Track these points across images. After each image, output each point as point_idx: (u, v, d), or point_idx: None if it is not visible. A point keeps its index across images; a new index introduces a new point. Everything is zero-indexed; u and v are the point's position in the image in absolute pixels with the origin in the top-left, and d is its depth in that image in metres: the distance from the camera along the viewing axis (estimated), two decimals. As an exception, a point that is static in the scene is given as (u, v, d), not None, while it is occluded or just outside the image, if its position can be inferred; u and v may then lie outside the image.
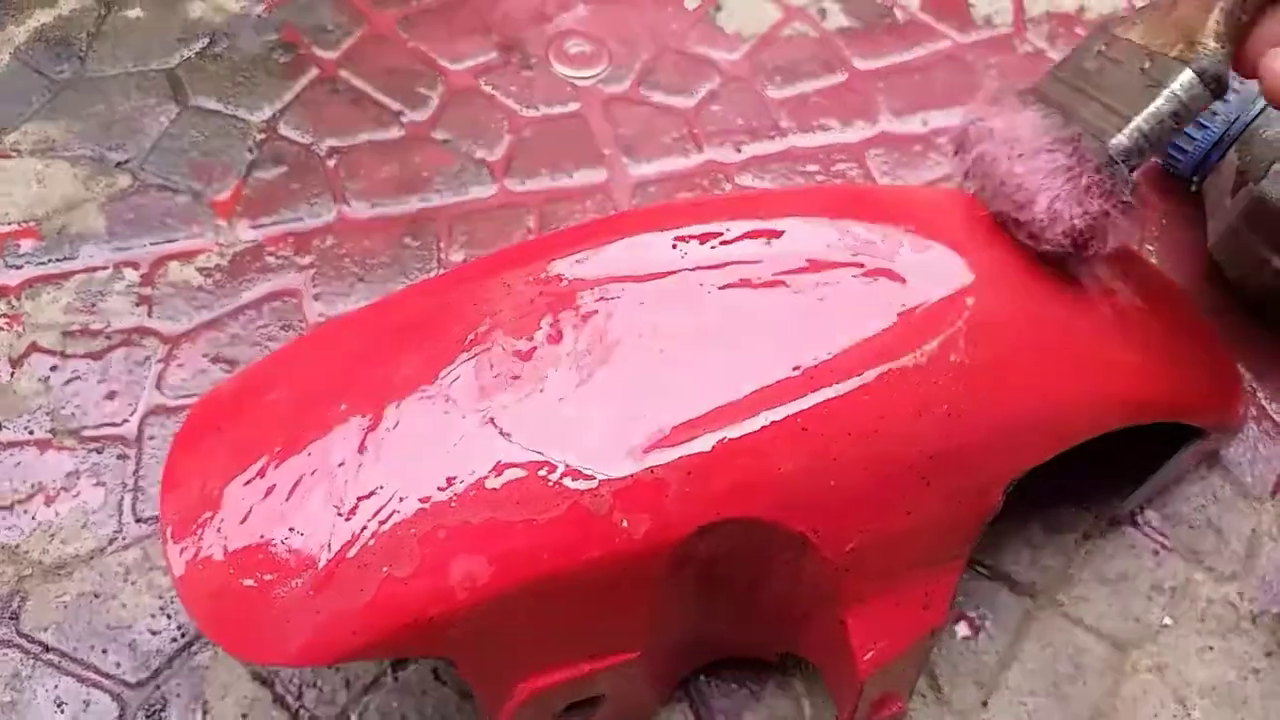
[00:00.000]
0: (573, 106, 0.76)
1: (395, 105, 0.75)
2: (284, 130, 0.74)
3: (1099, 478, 0.58)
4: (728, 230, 0.46)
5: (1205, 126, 0.67)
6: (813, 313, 0.43)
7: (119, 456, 0.59)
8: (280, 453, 0.42)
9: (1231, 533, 0.59)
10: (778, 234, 0.46)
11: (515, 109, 0.76)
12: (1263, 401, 0.64)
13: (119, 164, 0.71)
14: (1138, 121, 0.44)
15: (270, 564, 0.40)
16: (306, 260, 0.67)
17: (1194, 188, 0.71)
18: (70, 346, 0.63)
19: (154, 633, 0.54)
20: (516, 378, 0.42)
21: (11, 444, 0.59)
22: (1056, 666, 0.54)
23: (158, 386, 0.62)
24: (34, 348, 0.63)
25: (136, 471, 0.59)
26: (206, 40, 0.78)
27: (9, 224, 0.68)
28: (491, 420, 0.41)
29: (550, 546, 0.39)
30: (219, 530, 0.41)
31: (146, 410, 0.61)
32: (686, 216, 0.47)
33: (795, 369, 0.42)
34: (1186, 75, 0.44)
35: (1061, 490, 0.59)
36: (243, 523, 0.41)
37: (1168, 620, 0.56)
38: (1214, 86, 0.44)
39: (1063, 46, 0.83)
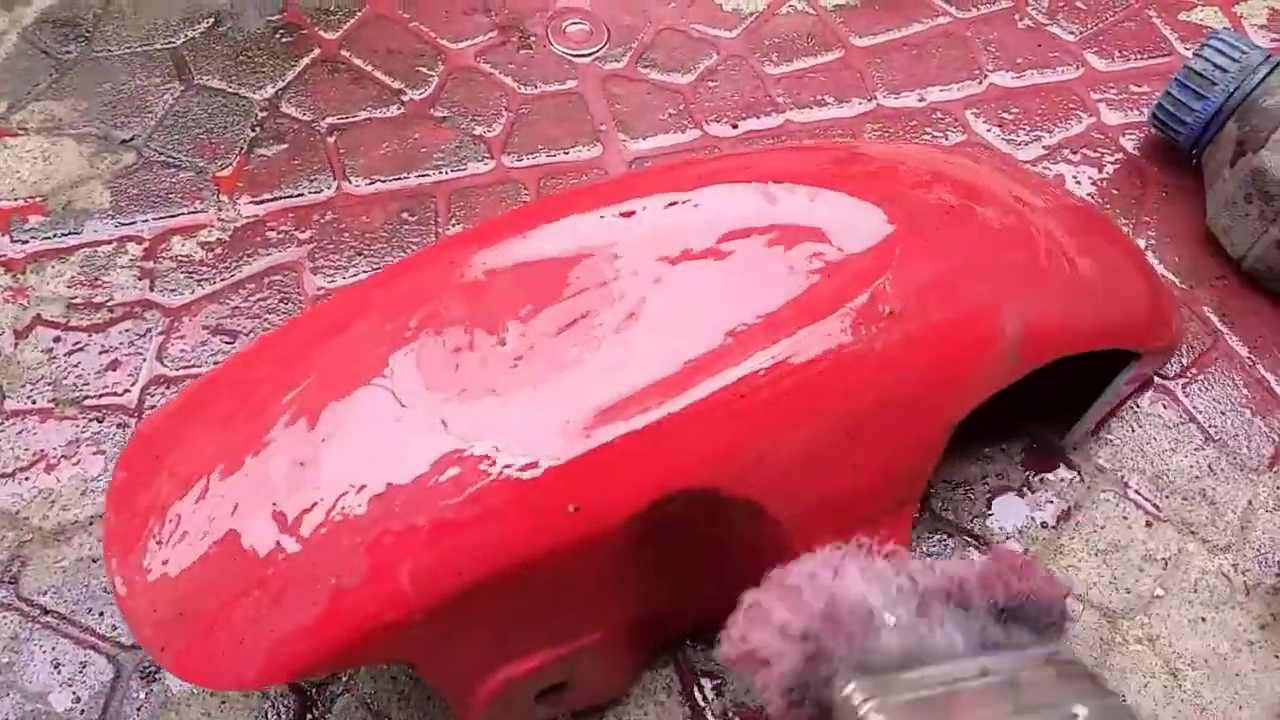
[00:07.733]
0: (571, 84, 0.77)
1: (395, 84, 0.76)
2: (285, 108, 0.74)
3: (1043, 416, 0.60)
4: (646, 206, 0.46)
5: (1205, 97, 0.66)
6: (738, 278, 0.43)
7: (119, 425, 0.60)
8: (220, 474, 0.40)
9: (1226, 505, 0.58)
10: (696, 205, 0.46)
11: (514, 87, 0.76)
12: (1262, 373, 0.63)
13: (124, 141, 0.72)
14: None
15: (217, 587, 0.38)
16: (306, 235, 0.68)
17: (1194, 160, 0.70)
18: (74, 318, 0.64)
19: (151, 596, 0.55)
20: (455, 370, 0.41)
21: (15, 413, 0.60)
22: (1046, 636, 0.54)
23: (159, 357, 0.63)
24: (38, 320, 0.64)
25: (136, 440, 0.60)
26: (210, 20, 0.79)
27: (16, 199, 0.69)
28: (430, 415, 0.39)
29: (500, 540, 0.38)
30: (164, 558, 0.39)
31: (147, 380, 0.62)
32: (605, 196, 0.47)
33: (728, 337, 0.41)
34: None
35: (1007, 430, 0.60)
36: (188, 547, 0.39)
37: (1160, 591, 0.56)
38: None
39: (1064, 21, 0.83)
